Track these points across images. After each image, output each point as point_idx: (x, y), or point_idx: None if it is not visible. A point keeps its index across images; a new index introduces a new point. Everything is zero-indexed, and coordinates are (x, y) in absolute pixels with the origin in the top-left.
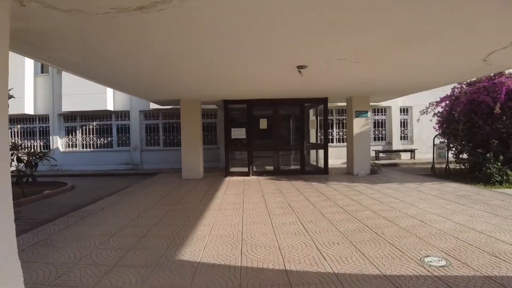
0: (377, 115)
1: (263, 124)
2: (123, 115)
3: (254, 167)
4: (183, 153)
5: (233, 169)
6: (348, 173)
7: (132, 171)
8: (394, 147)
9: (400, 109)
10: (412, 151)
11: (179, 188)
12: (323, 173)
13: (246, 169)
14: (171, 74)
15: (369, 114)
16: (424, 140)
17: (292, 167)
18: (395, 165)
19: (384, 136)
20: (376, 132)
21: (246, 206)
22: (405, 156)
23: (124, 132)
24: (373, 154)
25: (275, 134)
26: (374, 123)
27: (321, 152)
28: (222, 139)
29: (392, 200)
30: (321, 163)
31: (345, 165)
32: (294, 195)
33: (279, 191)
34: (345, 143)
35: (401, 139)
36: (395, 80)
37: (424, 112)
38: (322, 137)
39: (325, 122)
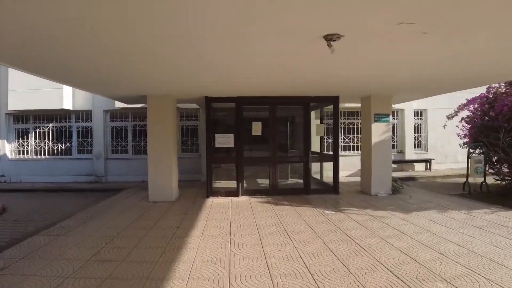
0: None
1: (257, 129)
2: (85, 115)
3: (245, 183)
4: (149, 168)
5: (217, 185)
6: (363, 192)
7: (93, 185)
8: (407, 157)
9: (414, 112)
10: (427, 161)
11: (138, 221)
12: (332, 192)
13: (234, 186)
14: (125, 57)
15: (390, 118)
16: (439, 148)
17: (293, 183)
18: (412, 178)
19: (395, 143)
20: None
21: (236, 268)
22: (419, 167)
23: (86, 136)
24: None
25: (272, 142)
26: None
27: (327, 164)
28: (203, 146)
29: (457, 250)
30: (327, 178)
31: (352, 179)
32: (306, 238)
33: (283, 228)
34: (351, 152)
35: (414, 147)
36: (452, 70)
37: (452, 116)
38: (329, 146)
39: (336, 127)
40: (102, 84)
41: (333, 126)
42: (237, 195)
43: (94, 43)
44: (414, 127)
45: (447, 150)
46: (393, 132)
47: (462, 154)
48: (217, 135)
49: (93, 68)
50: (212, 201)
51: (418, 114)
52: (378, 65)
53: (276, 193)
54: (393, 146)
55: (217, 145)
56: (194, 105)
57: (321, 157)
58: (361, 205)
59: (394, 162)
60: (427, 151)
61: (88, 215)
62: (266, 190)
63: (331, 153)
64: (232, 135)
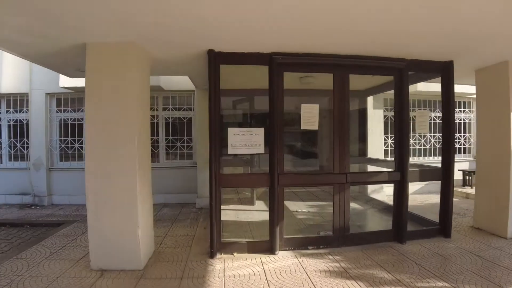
0: (457, 111)
1: (310, 117)
2: (18, 102)
3: (285, 229)
4: (88, 199)
5: (228, 222)
6: (484, 232)
7: (26, 211)
8: None
9: None
10: None
11: None
12: (437, 233)
13: (264, 234)
14: None
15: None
16: None
17: (363, 219)
18: None
19: (463, 147)
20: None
21: None
22: None
23: (19, 135)
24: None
25: (339, 144)
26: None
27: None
28: (202, 151)
29: None
30: (420, 207)
31: (424, 198)
32: None
33: None
34: (423, 157)
35: None
36: None
37: None
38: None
39: (448, 115)
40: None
41: (444, 113)
42: (271, 250)
43: None
44: None
45: None
46: (463, 130)
47: None
48: (231, 130)
49: None
50: (222, 267)
51: None
52: None
53: (345, 242)
54: (464, 150)
55: (231, 150)
56: (184, 85)
57: (424, 173)
58: None
59: (468, 172)
60: None
61: None
62: (328, 239)
63: (436, 164)
64: (261, 130)
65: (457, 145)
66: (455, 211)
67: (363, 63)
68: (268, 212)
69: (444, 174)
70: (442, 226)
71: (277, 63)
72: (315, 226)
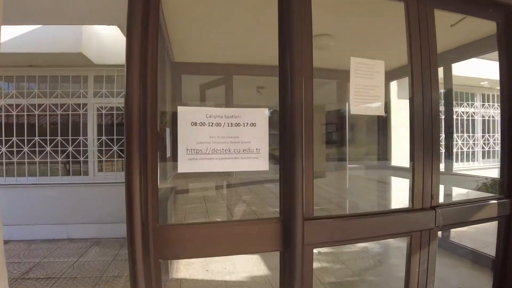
0: (483, 106)
1: (368, 88)
2: None
3: None
4: None
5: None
6: None
7: None
8: None
9: None
10: None
11: None
12: None
13: None
14: None
15: None
16: None
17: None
18: None
19: (492, 150)
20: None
21: None
22: None
23: None
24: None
25: (422, 151)
26: (472, 122)
27: None
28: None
29: None
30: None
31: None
32: None
33: None
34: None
35: None
36: None
37: None
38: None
39: None
40: None
41: None
42: None
43: None
44: None
45: None
46: (493, 130)
47: None
48: (184, 113)
49: None
50: None
51: None
52: None
53: None
54: (492, 154)
55: (186, 166)
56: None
57: None
58: None
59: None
60: None
61: None
62: None
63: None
64: (262, 115)
65: (486, 148)
66: None
67: None
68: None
69: None
70: None
71: None
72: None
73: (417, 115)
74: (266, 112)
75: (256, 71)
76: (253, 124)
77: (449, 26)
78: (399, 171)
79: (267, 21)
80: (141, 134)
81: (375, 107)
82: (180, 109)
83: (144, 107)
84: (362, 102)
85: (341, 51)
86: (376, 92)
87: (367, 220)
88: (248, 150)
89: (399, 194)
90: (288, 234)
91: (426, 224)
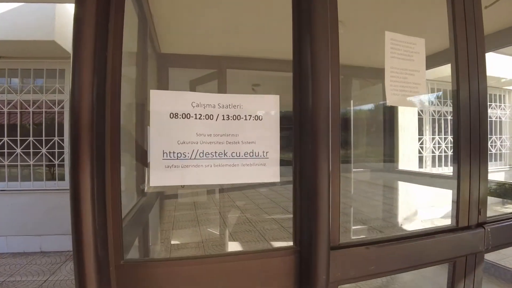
0: (492, 106)
1: (406, 72)
2: None
3: None
4: None
5: None
6: None
7: None
8: None
9: None
10: None
11: None
12: None
13: None
14: None
15: None
16: None
17: None
18: None
19: (498, 152)
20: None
21: None
22: None
23: None
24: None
25: (469, 158)
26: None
27: None
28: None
29: None
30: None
31: None
32: None
33: None
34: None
35: None
36: None
37: None
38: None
39: None
40: None
41: None
42: None
43: None
44: None
45: None
46: (497, 131)
47: None
48: (158, 98)
49: None
50: None
51: None
52: None
53: None
54: (496, 157)
55: (161, 179)
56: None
57: None
58: None
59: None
60: None
61: None
62: None
63: None
64: (273, 102)
65: (493, 151)
66: None
67: None
68: None
69: None
70: None
71: None
72: None
73: (463, 110)
74: (277, 100)
75: (253, 65)
76: (259, 118)
77: (483, 8)
78: (407, 175)
79: (267, 6)
80: (95, 137)
81: (414, 99)
82: (154, 93)
83: (102, 99)
84: (400, 91)
85: (347, 42)
86: (417, 78)
87: (405, 245)
88: (251, 154)
89: (414, 202)
90: (307, 269)
91: (473, 246)
